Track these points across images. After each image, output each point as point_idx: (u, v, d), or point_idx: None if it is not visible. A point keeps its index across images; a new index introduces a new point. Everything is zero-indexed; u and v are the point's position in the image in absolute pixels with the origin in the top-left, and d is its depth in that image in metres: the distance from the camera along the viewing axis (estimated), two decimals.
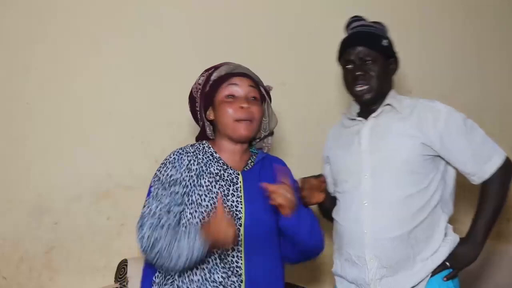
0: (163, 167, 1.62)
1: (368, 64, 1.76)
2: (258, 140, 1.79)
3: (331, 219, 1.92)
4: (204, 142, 1.70)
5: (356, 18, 1.91)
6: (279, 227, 1.65)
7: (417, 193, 1.69)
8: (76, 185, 2.35)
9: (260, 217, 1.61)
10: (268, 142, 1.80)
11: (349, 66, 1.80)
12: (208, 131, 1.68)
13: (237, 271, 1.55)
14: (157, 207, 1.55)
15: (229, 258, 1.56)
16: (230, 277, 1.54)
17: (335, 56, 1.89)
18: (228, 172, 1.63)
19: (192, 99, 1.72)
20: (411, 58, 2.92)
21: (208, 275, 1.53)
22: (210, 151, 1.66)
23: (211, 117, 1.66)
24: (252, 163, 1.70)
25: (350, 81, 1.80)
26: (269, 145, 1.81)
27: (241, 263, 1.56)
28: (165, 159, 1.64)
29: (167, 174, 1.59)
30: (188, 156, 1.62)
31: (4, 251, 2.27)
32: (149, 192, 1.63)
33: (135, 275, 2.26)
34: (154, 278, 1.66)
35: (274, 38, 2.67)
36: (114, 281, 2.30)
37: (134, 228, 2.42)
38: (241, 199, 1.60)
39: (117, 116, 2.42)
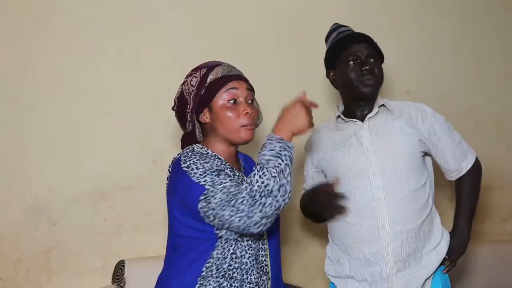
0: (197, 164, 1.49)
1: (373, 62, 1.82)
2: None
3: (318, 221, 1.98)
4: (199, 145, 1.62)
5: (340, 25, 1.97)
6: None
7: (420, 188, 1.80)
8: (73, 186, 2.35)
9: None
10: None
11: (356, 61, 1.81)
12: (197, 133, 1.65)
13: (265, 269, 1.59)
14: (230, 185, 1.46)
15: (261, 258, 1.58)
16: (261, 276, 1.58)
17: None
18: (234, 173, 1.59)
19: (182, 100, 1.63)
20: (408, 59, 2.93)
21: (245, 276, 1.54)
22: (213, 154, 1.59)
23: (207, 120, 1.61)
24: (242, 163, 1.71)
25: (356, 76, 1.80)
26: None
27: (268, 262, 1.60)
28: (190, 161, 1.50)
29: (210, 165, 1.48)
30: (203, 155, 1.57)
31: (1, 252, 2.27)
32: (202, 189, 1.44)
33: (132, 276, 2.25)
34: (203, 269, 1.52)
35: (272, 40, 2.67)
36: (112, 282, 2.30)
37: (132, 229, 2.45)
38: None
39: (115, 116, 2.42)
